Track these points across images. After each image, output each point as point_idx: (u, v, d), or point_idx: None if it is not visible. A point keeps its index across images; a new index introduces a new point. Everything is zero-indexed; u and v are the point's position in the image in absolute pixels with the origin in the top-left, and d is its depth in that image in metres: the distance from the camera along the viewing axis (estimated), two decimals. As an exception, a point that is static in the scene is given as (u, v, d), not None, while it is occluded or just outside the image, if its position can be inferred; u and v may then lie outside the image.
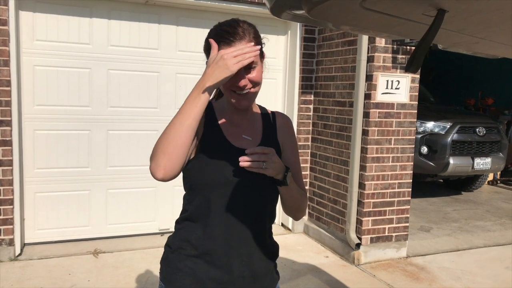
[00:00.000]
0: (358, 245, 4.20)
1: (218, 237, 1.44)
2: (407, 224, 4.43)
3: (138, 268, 3.86)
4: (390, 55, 4.09)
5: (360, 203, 4.23)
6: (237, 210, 1.44)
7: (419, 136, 5.97)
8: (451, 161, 6.04)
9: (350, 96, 4.33)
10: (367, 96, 4.11)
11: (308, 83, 4.88)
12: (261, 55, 1.45)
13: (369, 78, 4.09)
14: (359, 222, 4.24)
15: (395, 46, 4.10)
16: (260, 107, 1.61)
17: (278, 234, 4.69)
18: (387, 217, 4.30)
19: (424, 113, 5.96)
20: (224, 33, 1.37)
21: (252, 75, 1.39)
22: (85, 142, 4.32)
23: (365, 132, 4.15)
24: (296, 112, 4.87)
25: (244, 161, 1.33)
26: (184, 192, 1.53)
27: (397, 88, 4.16)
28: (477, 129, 6.31)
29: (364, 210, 4.19)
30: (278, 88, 5.01)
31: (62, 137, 4.25)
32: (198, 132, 1.44)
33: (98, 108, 4.34)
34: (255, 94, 1.44)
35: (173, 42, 4.53)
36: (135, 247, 4.31)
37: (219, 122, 1.49)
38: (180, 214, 1.54)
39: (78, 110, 4.27)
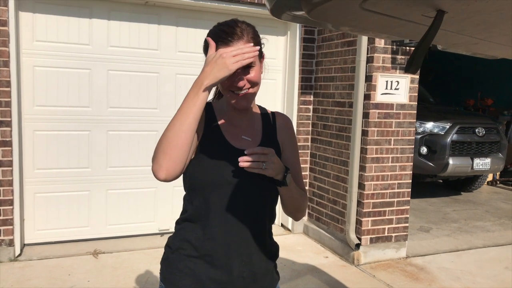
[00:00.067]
0: (357, 246, 4.20)
1: (218, 237, 1.44)
2: (407, 225, 4.43)
3: (137, 268, 3.86)
4: (390, 55, 4.10)
5: (359, 204, 4.23)
6: (237, 211, 1.44)
7: (419, 136, 5.97)
8: (451, 161, 6.04)
9: (349, 97, 4.33)
10: (367, 97, 4.12)
11: (307, 84, 4.88)
12: (260, 55, 1.45)
13: (368, 78, 4.10)
14: (358, 223, 4.25)
15: (394, 47, 4.11)
16: (260, 107, 1.61)
17: (277, 234, 4.69)
18: (387, 217, 4.31)
19: (423, 114, 5.96)
20: (222, 33, 1.37)
21: (251, 75, 1.39)
22: (85, 142, 4.33)
23: (364, 133, 4.16)
24: (296, 113, 4.88)
25: (243, 162, 1.32)
26: (184, 193, 1.53)
27: (397, 88, 4.17)
28: (476, 130, 6.31)
29: (364, 210, 4.20)
30: (277, 89, 5.02)
31: (62, 137, 4.25)
32: (198, 132, 1.45)
33: (98, 108, 4.34)
34: (253, 94, 1.44)
35: (173, 42, 4.53)
36: (135, 247, 4.32)
37: (219, 122, 1.49)
38: (180, 215, 1.54)
39: (78, 111, 4.27)
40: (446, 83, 11.07)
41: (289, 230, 5.03)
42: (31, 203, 4.20)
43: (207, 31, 1.44)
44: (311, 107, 4.93)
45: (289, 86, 4.93)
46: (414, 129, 4.35)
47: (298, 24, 4.71)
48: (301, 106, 4.88)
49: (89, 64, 4.26)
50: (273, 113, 1.62)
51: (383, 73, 4.09)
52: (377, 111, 4.12)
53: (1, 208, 3.88)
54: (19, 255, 4.00)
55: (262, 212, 1.50)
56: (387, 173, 4.24)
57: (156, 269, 3.82)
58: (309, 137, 4.97)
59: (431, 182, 7.59)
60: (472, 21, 0.95)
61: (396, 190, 4.31)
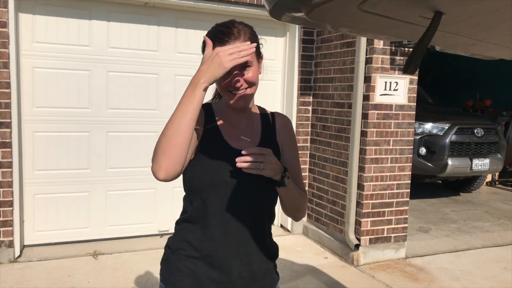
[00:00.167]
0: (357, 246, 4.21)
1: (217, 238, 1.44)
2: (406, 225, 4.44)
3: (137, 269, 3.87)
4: (389, 56, 4.11)
5: (359, 204, 4.24)
6: (236, 211, 1.44)
7: (418, 137, 5.98)
8: (450, 162, 6.05)
9: (348, 98, 4.34)
10: (366, 98, 4.13)
11: (306, 85, 4.89)
12: (258, 56, 1.45)
13: (367, 79, 4.11)
14: (358, 223, 4.25)
15: (393, 48, 4.12)
16: (259, 107, 1.62)
17: (277, 235, 4.70)
18: (386, 218, 4.31)
19: (422, 114, 5.97)
20: (219, 33, 1.38)
21: (248, 75, 1.40)
22: (84, 143, 4.33)
23: (363, 133, 4.16)
24: (295, 114, 4.89)
25: (240, 162, 1.33)
26: (184, 193, 1.54)
27: (396, 89, 4.18)
28: (475, 130, 6.33)
29: (363, 211, 4.20)
30: (277, 90, 5.03)
31: (61, 139, 4.25)
32: (198, 133, 1.45)
33: (98, 110, 4.34)
34: (251, 94, 1.45)
35: (172, 44, 4.54)
36: (135, 248, 4.32)
37: (218, 123, 1.50)
38: (180, 215, 1.55)
39: (77, 112, 4.28)
40: (445, 84, 11.09)
41: (288, 231, 5.04)
42: (30, 204, 4.21)
43: (206, 32, 1.45)
44: (310, 108, 4.94)
45: (288, 87, 4.94)
46: (413, 129, 4.36)
47: (297, 26, 4.72)
48: (300, 107, 4.89)
49: (88, 66, 4.27)
50: (272, 113, 1.62)
51: (382, 74, 4.10)
52: (376, 112, 4.13)
53: (1, 209, 3.88)
54: (19, 256, 4.00)
55: (261, 212, 1.50)
56: (386, 174, 4.25)
57: (156, 270, 3.82)
58: (308, 137, 4.98)
59: (430, 182, 7.59)
60: (469, 22, 0.96)
61: (395, 191, 4.32)
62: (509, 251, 4.73)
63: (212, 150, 1.45)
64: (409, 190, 4.41)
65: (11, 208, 3.91)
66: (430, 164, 6.04)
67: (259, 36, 1.48)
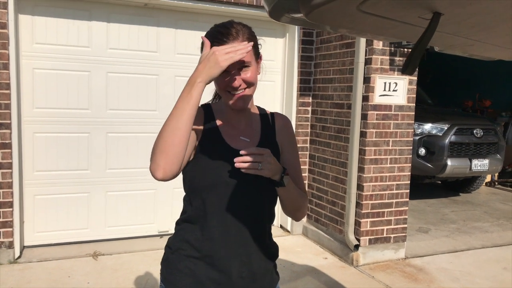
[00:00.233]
0: (356, 247, 4.21)
1: (216, 238, 1.45)
2: (406, 226, 4.45)
3: (137, 270, 3.87)
4: (388, 57, 4.12)
5: (358, 205, 4.24)
6: (235, 211, 1.45)
7: (417, 137, 5.99)
8: (449, 162, 6.06)
9: (348, 98, 4.35)
10: (365, 98, 4.13)
11: (306, 86, 4.90)
12: (257, 56, 1.46)
13: (367, 80, 4.11)
14: (357, 224, 4.26)
15: (392, 49, 4.13)
16: (259, 108, 1.62)
17: (277, 236, 4.70)
18: (386, 218, 4.32)
19: (421, 115, 5.98)
20: (218, 34, 1.38)
21: (247, 75, 1.40)
22: (84, 144, 4.33)
23: (363, 134, 4.17)
24: (295, 114, 4.89)
25: (239, 162, 1.33)
26: (183, 194, 1.54)
27: (395, 90, 4.19)
28: (474, 131, 6.34)
29: (363, 211, 4.21)
30: (276, 91, 5.03)
31: (61, 139, 4.26)
32: (197, 133, 1.46)
33: (97, 110, 4.35)
34: (250, 95, 1.45)
35: (172, 45, 4.55)
36: (135, 249, 4.32)
37: (218, 123, 1.50)
38: (180, 215, 1.55)
39: (77, 113, 4.28)
40: (444, 85, 11.10)
41: (288, 231, 5.04)
42: (30, 205, 4.21)
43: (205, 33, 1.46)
44: (309, 108, 4.94)
45: (287, 87, 4.95)
46: (412, 130, 4.37)
47: (296, 26, 4.73)
48: (299, 108, 4.90)
49: (88, 67, 4.27)
50: (272, 113, 1.62)
51: (381, 75, 4.11)
52: (376, 112, 4.14)
53: (1, 210, 3.88)
54: (19, 257, 4.01)
55: (260, 212, 1.50)
56: (385, 174, 4.26)
57: (155, 271, 3.83)
58: (308, 138, 4.99)
59: (430, 183, 7.60)
60: (467, 23, 0.96)
61: (394, 191, 4.33)
62: (509, 251, 4.74)
63: (212, 151, 1.45)
64: (408, 191, 4.41)
65: (11, 209, 3.91)
66: (429, 165, 6.05)
67: (258, 37, 1.48)
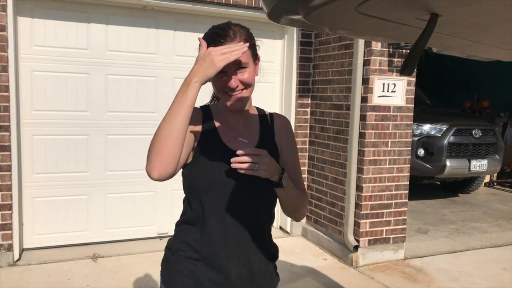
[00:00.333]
0: (356, 248, 4.21)
1: (215, 239, 1.45)
2: (405, 226, 4.45)
3: (137, 272, 3.87)
4: (386, 58, 4.13)
5: (357, 206, 4.25)
6: (234, 212, 1.45)
7: (416, 138, 6.00)
8: (448, 163, 6.07)
9: (347, 99, 4.35)
10: (364, 99, 4.14)
11: (305, 87, 4.91)
12: (255, 57, 1.46)
13: (365, 81, 4.12)
14: (356, 225, 4.26)
15: (391, 50, 4.14)
16: (258, 109, 1.62)
17: (276, 237, 4.69)
18: (385, 219, 4.32)
19: (420, 116, 5.99)
20: (214, 35, 1.39)
21: (244, 76, 1.40)
22: (83, 146, 4.33)
23: (362, 135, 4.18)
24: (294, 116, 4.90)
25: (235, 163, 1.34)
26: (183, 196, 1.54)
27: (394, 91, 4.19)
28: (473, 131, 6.35)
29: (362, 212, 4.21)
30: (275, 92, 5.04)
31: (60, 142, 4.26)
32: (196, 135, 1.46)
33: (97, 113, 4.35)
34: (247, 96, 1.45)
35: (171, 47, 4.55)
36: (134, 251, 4.32)
37: (216, 125, 1.50)
38: (180, 217, 1.55)
39: (76, 115, 4.28)
40: (442, 86, 11.11)
41: (287, 232, 5.04)
42: (30, 207, 4.21)
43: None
44: (308, 110, 4.95)
45: (286, 89, 4.95)
46: (411, 131, 4.38)
47: (295, 28, 4.74)
48: (298, 109, 4.91)
49: (87, 69, 4.28)
50: (271, 114, 1.62)
51: (379, 76, 4.12)
52: (374, 113, 4.15)
53: (0, 212, 3.88)
54: (18, 259, 4.00)
55: (259, 213, 1.51)
56: (384, 175, 4.26)
57: (155, 273, 3.82)
58: (307, 139, 4.99)
59: (429, 184, 7.61)
60: (465, 23, 0.97)
61: (393, 192, 4.33)
62: (508, 252, 4.75)
63: (210, 152, 1.45)
64: (407, 191, 4.42)
65: (10, 212, 3.91)
66: (428, 165, 6.06)
67: (256, 38, 1.48)
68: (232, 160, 1.33)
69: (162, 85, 4.55)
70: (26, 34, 4.05)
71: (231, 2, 4.42)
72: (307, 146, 5.00)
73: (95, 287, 3.57)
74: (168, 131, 1.28)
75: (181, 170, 1.46)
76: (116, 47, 4.35)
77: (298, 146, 4.90)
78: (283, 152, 1.57)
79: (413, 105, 4.33)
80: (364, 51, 4.11)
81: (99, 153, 4.39)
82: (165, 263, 1.54)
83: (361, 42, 4.09)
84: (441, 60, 9.71)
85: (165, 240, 1.64)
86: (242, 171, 1.35)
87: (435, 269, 4.21)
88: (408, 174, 4.40)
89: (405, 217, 4.44)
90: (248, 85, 1.43)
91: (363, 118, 4.15)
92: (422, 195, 7.14)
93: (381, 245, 4.33)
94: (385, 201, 4.30)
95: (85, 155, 4.35)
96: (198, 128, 1.47)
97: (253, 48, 1.44)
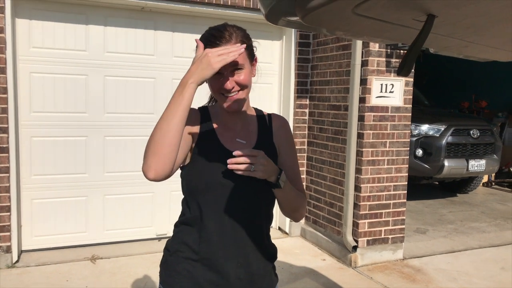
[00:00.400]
0: (354, 248, 4.22)
1: (213, 240, 1.45)
2: (403, 226, 4.46)
3: (135, 273, 3.87)
4: (384, 59, 4.14)
5: (356, 206, 4.25)
6: (231, 213, 1.45)
7: (414, 138, 6.01)
8: (446, 163, 6.08)
9: (345, 100, 4.36)
10: (362, 100, 4.15)
11: (303, 88, 4.91)
12: (252, 58, 1.46)
13: (363, 82, 4.13)
14: (355, 225, 4.26)
15: (388, 50, 4.15)
16: (256, 109, 1.62)
17: (275, 237, 4.68)
18: (383, 219, 4.33)
19: (418, 116, 6.00)
20: (211, 37, 1.39)
21: (240, 77, 1.40)
22: (82, 148, 4.33)
23: (360, 136, 4.18)
24: (292, 116, 4.90)
25: (231, 163, 1.34)
26: (181, 197, 1.55)
27: (391, 91, 4.20)
28: (471, 132, 6.36)
29: (360, 212, 4.22)
30: (273, 93, 5.04)
31: (59, 143, 4.25)
32: (193, 136, 1.46)
33: (95, 114, 4.35)
34: (244, 97, 1.45)
35: (169, 48, 4.55)
36: (133, 252, 4.31)
37: (214, 126, 1.51)
38: (179, 218, 1.56)
39: (74, 117, 4.28)
40: (440, 86, 11.13)
41: (286, 233, 5.05)
42: (28, 209, 4.20)
43: (201, 36, 1.46)
44: (307, 110, 4.96)
45: (285, 90, 4.96)
46: (409, 131, 4.39)
47: (293, 29, 4.74)
48: (297, 110, 4.91)
49: (85, 70, 4.28)
50: (269, 115, 1.63)
51: (377, 77, 4.13)
52: (372, 114, 4.15)
53: (-1, 214, 3.88)
54: (17, 261, 3.99)
55: (258, 213, 1.51)
56: (383, 176, 4.27)
57: (153, 274, 3.82)
58: (305, 140, 5.00)
59: (427, 184, 7.62)
60: (462, 24, 0.97)
61: (392, 192, 4.34)
62: (506, 251, 4.76)
63: (208, 153, 1.46)
64: (406, 192, 4.42)
65: (8, 213, 3.91)
66: (426, 166, 6.07)
67: (253, 39, 1.48)
68: (229, 161, 1.34)
69: (160, 87, 4.55)
70: (24, 36, 4.04)
71: (229, 4, 4.42)
72: (305, 147, 5.01)
73: (94, 289, 3.57)
74: (164, 131, 1.29)
75: (179, 171, 1.47)
76: (114, 49, 4.35)
77: (296, 147, 4.87)
78: (281, 153, 1.57)
79: (411, 106, 4.34)
80: (362, 52, 4.12)
81: (97, 154, 4.38)
82: (163, 264, 1.55)
83: (359, 43, 4.10)
84: (439, 61, 9.73)
85: (164, 241, 1.64)
86: (239, 172, 1.35)
87: (434, 269, 4.22)
88: (407, 174, 4.41)
89: (404, 217, 4.45)
90: (244, 87, 1.43)
91: (361, 118, 4.16)
92: (420, 195, 7.14)
93: (379, 245, 4.33)
94: (384, 201, 4.31)
95: (84, 156, 4.35)
96: (196, 129, 1.48)
97: (250, 49, 1.45)
